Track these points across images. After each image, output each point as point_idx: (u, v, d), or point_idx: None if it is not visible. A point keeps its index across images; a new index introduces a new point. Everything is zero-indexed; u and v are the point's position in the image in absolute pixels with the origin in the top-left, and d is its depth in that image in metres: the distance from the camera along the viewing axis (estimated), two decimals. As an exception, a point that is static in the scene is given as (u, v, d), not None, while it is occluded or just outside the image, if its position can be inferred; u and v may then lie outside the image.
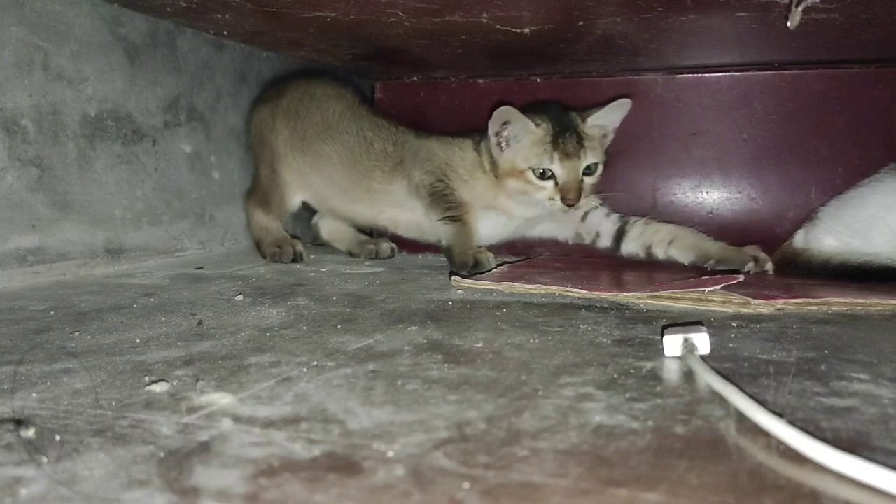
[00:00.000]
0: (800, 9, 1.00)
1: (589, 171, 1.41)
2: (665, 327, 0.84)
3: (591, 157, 1.41)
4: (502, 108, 1.36)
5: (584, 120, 1.43)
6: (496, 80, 1.82)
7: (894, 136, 1.59)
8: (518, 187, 1.42)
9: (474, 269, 1.35)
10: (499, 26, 1.22)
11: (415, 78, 1.87)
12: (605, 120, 1.44)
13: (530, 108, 1.42)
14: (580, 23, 1.20)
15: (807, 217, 1.45)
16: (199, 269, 1.39)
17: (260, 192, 1.63)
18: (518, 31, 1.24)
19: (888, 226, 1.30)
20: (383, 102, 1.94)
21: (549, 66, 1.69)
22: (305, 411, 0.59)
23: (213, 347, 0.81)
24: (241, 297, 1.11)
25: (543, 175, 1.39)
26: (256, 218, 1.62)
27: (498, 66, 1.67)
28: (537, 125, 1.39)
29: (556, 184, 1.39)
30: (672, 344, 0.77)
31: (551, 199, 1.40)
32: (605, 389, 0.65)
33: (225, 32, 1.49)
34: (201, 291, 1.16)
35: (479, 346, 0.82)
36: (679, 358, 0.76)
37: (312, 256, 1.60)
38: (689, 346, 0.76)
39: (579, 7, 1.12)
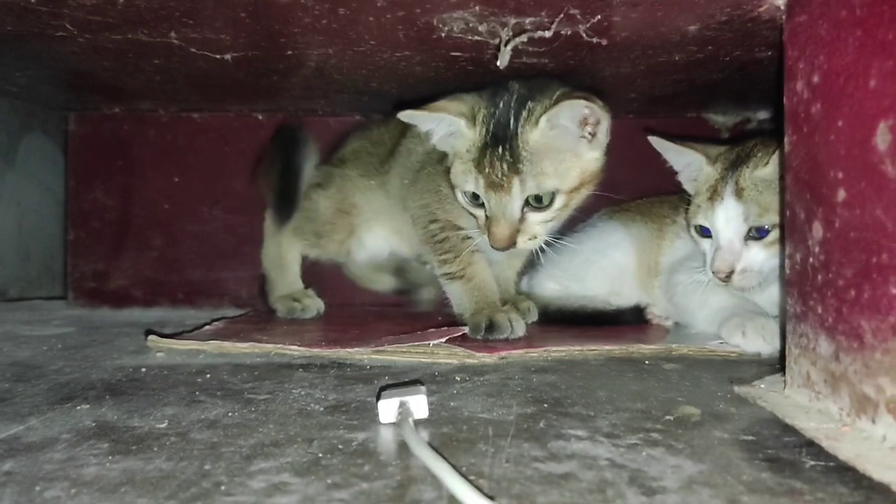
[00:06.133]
0: (508, 48, 1.00)
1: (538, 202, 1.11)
2: (383, 388, 0.79)
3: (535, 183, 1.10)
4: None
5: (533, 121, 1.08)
6: (214, 114, 1.69)
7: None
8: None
9: (489, 332, 1.14)
10: (195, 49, 1.09)
11: (116, 109, 1.67)
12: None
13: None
14: (289, 52, 1.11)
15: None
16: None
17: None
18: (219, 56, 1.12)
19: (602, 270, 1.36)
20: (79, 137, 1.71)
21: (270, 102, 1.59)
22: None
23: None
24: None
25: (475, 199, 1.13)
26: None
27: (210, 98, 1.53)
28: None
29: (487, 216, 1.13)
30: (387, 409, 0.72)
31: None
32: (303, 475, 0.58)
33: None
34: None
35: (163, 426, 0.72)
36: (394, 425, 0.71)
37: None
38: (403, 413, 0.70)
39: (284, 34, 1.03)
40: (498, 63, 1.03)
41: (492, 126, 1.09)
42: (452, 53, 1.11)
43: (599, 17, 0.95)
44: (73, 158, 1.72)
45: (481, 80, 1.23)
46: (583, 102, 1.05)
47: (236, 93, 1.47)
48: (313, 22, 0.99)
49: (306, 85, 1.36)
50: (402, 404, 0.71)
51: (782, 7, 0.88)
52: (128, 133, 1.70)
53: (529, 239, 1.12)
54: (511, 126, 1.08)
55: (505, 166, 1.07)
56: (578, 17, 0.95)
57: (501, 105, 1.10)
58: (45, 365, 1.01)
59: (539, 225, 1.11)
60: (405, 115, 1.11)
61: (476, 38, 1.03)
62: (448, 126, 1.12)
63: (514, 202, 1.08)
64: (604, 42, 1.04)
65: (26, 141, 1.75)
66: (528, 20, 0.97)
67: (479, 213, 1.13)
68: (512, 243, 1.10)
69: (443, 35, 1.03)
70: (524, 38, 1.00)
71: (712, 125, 1.65)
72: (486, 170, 1.08)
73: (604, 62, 1.15)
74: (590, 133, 1.09)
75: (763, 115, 1.59)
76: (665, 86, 1.32)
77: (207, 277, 1.70)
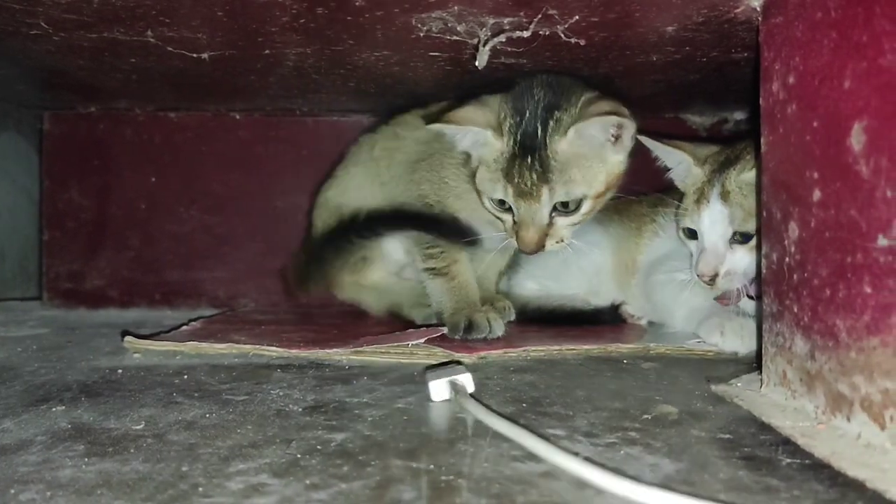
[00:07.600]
0: (487, 48, 0.99)
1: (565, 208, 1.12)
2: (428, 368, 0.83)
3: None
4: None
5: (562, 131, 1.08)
6: (190, 114, 1.67)
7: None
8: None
9: (468, 333, 1.14)
10: (171, 48, 1.08)
11: (92, 108, 1.64)
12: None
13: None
14: (266, 51, 1.10)
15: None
16: None
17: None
18: (195, 55, 1.11)
19: (581, 269, 1.36)
20: (54, 136, 1.68)
21: (247, 102, 1.57)
22: None
23: None
24: None
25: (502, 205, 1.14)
26: None
27: (188, 97, 1.51)
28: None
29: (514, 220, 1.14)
30: (439, 389, 0.80)
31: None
32: (282, 476, 0.57)
33: None
34: None
35: (139, 428, 0.71)
36: (449, 401, 0.79)
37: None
38: (456, 389, 0.79)
39: (262, 33, 1.02)
40: (476, 63, 1.02)
41: (519, 136, 1.10)
42: (431, 53, 1.10)
43: (577, 17, 0.95)
44: (48, 158, 1.69)
45: (459, 80, 1.22)
46: (614, 119, 1.07)
47: (213, 92, 1.45)
48: (291, 21, 0.97)
49: (284, 84, 1.34)
50: (452, 383, 0.79)
51: (758, 8, 0.89)
52: (104, 132, 1.67)
53: (557, 242, 1.14)
54: (539, 136, 1.09)
55: (534, 176, 1.08)
56: (556, 17, 0.95)
57: (527, 113, 1.10)
58: (19, 366, 0.99)
59: (566, 228, 1.14)
60: (433, 129, 1.14)
61: (454, 38, 1.02)
62: (475, 136, 1.13)
63: (543, 209, 1.10)
64: (582, 42, 1.04)
65: (0, 140, 1.71)
66: (506, 20, 0.96)
67: (507, 217, 1.15)
68: (541, 247, 1.12)
69: (421, 35, 1.02)
70: (502, 38, 0.99)
71: (690, 125, 1.66)
72: (516, 179, 1.09)
73: (582, 63, 1.14)
74: (614, 136, 1.10)
75: (740, 115, 1.61)
76: (643, 86, 1.32)
77: (185, 278, 1.68)
